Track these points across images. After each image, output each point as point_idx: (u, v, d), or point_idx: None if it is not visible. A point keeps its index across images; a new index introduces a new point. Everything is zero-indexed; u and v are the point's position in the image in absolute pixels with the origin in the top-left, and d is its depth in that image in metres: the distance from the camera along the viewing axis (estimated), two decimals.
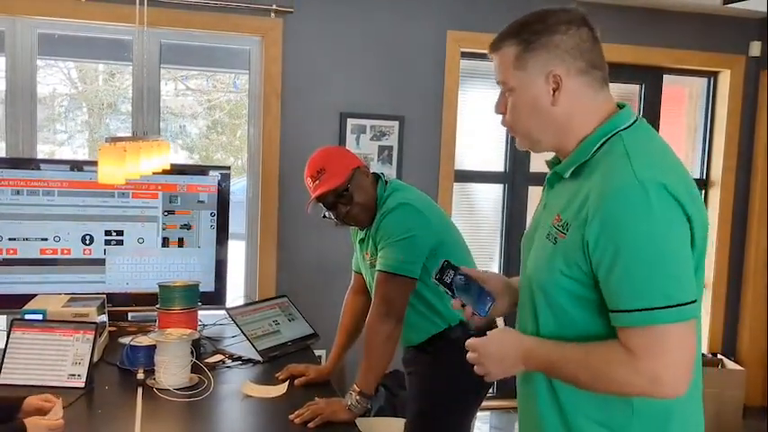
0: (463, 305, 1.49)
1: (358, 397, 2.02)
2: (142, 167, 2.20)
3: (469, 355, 1.40)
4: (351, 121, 3.75)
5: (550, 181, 1.43)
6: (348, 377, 3.48)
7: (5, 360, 2.22)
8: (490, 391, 4.15)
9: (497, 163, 4.20)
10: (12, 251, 2.82)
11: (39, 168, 2.90)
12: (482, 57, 4.01)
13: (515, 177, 4.20)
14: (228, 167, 3.09)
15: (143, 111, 3.45)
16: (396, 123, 3.80)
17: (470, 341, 1.41)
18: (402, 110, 3.81)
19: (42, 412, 1.87)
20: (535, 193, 4.20)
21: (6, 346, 2.25)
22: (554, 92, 1.30)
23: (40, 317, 2.36)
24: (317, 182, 2.16)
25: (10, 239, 2.81)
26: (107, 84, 9.92)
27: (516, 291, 1.50)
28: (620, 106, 1.34)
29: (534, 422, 1.41)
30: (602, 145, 1.30)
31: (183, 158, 9.06)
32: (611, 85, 1.37)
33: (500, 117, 1.41)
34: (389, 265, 2.06)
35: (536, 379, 1.38)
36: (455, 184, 3.96)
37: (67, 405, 2.03)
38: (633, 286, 1.18)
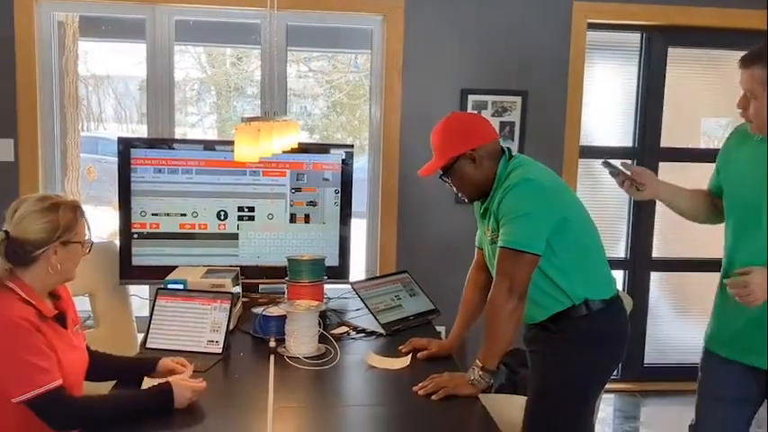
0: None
1: (481, 372, 2.03)
2: (274, 146, 2.29)
3: (739, 291, 1.93)
4: (472, 98, 3.72)
5: None
6: (469, 353, 3.50)
7: (151, 326, 2.40)
8: (615, 373, 4.08)
9: (626, 138, 4.05)
10: (155, 225, 3.03)
11: (175, 148, 3.09)
12: (610, 28, 3.87)
13: (645, 153, 4.03)
14: (352, 146, 3.15)
15: (272, 93, 3.58)
16: (518, 99, 3.74)
17: (741, 278, 1.94)
18: (525, 84, 3.74)
19: (175, 374, 2.03)
20: (667, 169, 4.01)
21: (152, 313, 2.43)
22: None
23: (181, 286, 2.52)
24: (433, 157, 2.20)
25: (153, 215, 3.02)
26: (234, 67, 10.36)
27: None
28: None
29: None
30: None
31: (304, 139, 9.35)
32: None
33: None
34: (512, 241, 2.03)
35: None
36: (580, 160, 3.85)
37: (206, 369, 2.19)
38: None
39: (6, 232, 1.82)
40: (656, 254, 4.11)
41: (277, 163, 3.03)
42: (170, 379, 1.92)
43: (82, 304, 2.97)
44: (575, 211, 2.17)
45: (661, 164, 4.01)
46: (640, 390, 4.08)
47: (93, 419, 1.79)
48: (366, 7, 3.60)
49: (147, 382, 1.99)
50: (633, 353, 4.13)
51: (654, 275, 4.14)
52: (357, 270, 3.67)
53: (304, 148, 3.08)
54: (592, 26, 3.76)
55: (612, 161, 2.29)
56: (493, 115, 3.73)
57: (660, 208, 4.02)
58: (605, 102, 4.01)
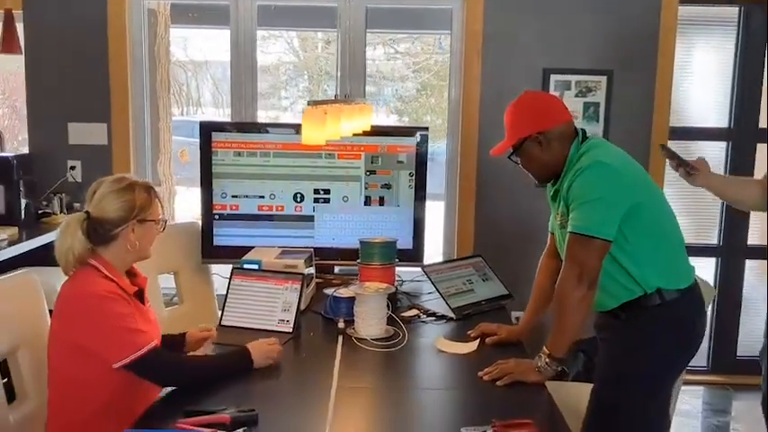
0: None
1: (548, 360, 1.99)
2: (342, 129, 2.31)
3: None
4: (554, 78, 3.62)
5: None
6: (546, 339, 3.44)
7: (227, 305, 2.48)
8: (703, 364, 3.90)
9: (720, 118, 3.83)
10: (234, 207, 3.12)
11: (264, 131, 3.15)
12: (705, 1, 3.66)
13: (741, 134, 3.80)
14: (426, 128, 3.12)
15: (346, 75, 3.61)
16: (603, 78, 3.61)
17: None
18: (610, 63, 3.60)
19: (201, 344, 2.19)
20: (765, 152, 3.77)
21: (227, 292, 2.51)
22: None
23: (256, 267, 2.59)
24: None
25: (233, 196, 3.11)
26: (324, 51, 10.49)
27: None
28: None
29: None
30: None
31: (393, 121, 9.35)
32: None
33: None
34: (582, 227, 1.95)
35: None
36: (670, 141, 3.67)
37: None
38: None
39: (87, 213, 1.92)
40: (751, 240, 3.88)
41: (352, 146, 3.05)
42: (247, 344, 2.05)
43: (167, 282, 3.12)
44: (649, 196, 2.07)
45: (759, 146, 3.78)
46: (732, 383, 3.88)
47: (191, 376, 1.93)
48: None
49: None
50: (725, 344, 3.93)
51: (749, 263, 3.91)
52: (434, 253, 3.67)
53: (379, 131, 3.09)
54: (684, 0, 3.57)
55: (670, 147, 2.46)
56: (576, 95, 3.62)
57: None
58: (699, 80, 3.81)
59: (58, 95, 3.61)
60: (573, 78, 3.61)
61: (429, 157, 3.13)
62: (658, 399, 2.08)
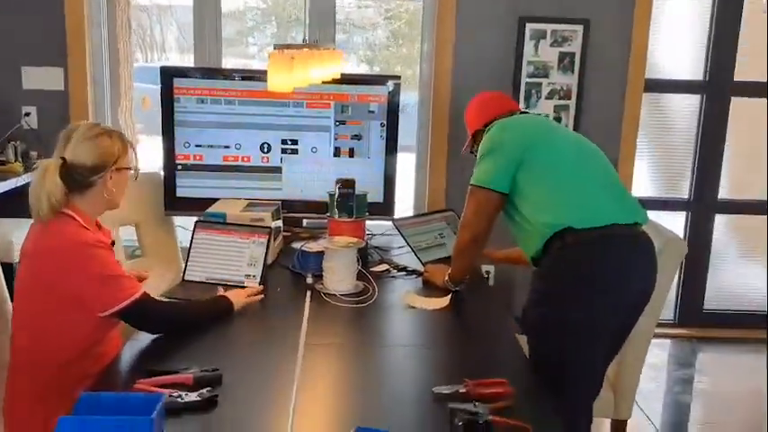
0: None
1: (448, 281, 2.32)
2: (311, 76, 2.20)
3: None
4: (530, 26, 3.52)
5: None
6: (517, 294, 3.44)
7: (190, 259, 2.39)
8: (670, 317, 3.93)
9: (695, 71, 3.78)
10: (198, 157, 3.00)
11: (230, 78, 2.99)
12: None
13: (715, 87, 3.76)
14: (399, 77, 3.01)
15: (317, 22, 3.46)
16: (579, 27, 3.51)
17: None
18: (587, 12, 3.51)
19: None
20: (739, 105, 3.75)
21: (191, 245, 2.42)
22: None
23: (220, 220, 2.49)
24: None
25: (196, 146, 2.98)
26: None
27: None
28: None
29: None
30: None
31: (363, 71, 9.13)
32: None
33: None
34: (473, 178, 2.16)
35: None
36: (645, 94, 3.62)
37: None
38: None
39: (63, 158, 1.83)
40: (722, 195, 3.88)
41: (321, 94, 2.94)
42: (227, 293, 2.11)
43: (129, 234, 3.02)
44: (543, 141, 2.15)
45: (733, 99, 3.75)
46: (699, 336, 3.93)
47: (178, 322, 1.93)
48: None
49: None
50: (692, 298, 3.97)
51: (719, 218, 3.92)
52: (406, 206, 3.60)
53: (350, 80, 2.97)
54: None
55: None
56: (552, 45, 3.52)
57: (732, 148, 3.78)
58: (675, 31, 3.74)
59: (10, 37, 3.41)
60: (549, 27, 3.52)
61: (400, 108, 3.03)
62: (579, 353, 2.00)
